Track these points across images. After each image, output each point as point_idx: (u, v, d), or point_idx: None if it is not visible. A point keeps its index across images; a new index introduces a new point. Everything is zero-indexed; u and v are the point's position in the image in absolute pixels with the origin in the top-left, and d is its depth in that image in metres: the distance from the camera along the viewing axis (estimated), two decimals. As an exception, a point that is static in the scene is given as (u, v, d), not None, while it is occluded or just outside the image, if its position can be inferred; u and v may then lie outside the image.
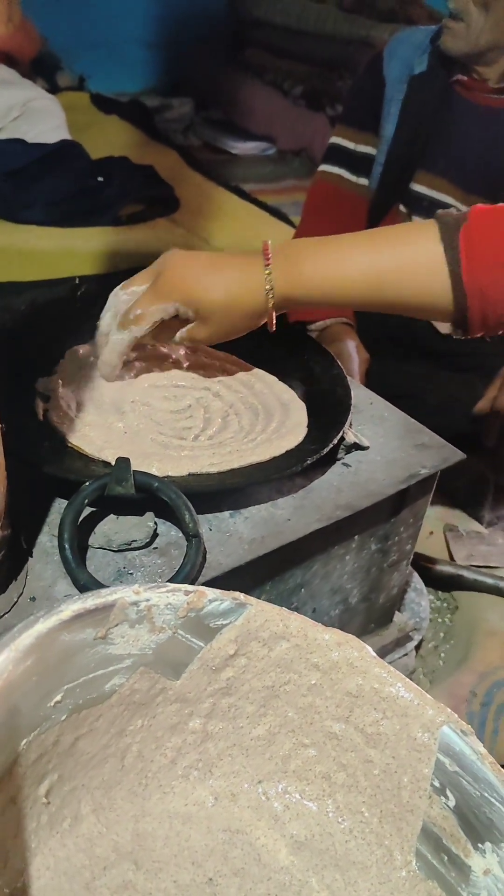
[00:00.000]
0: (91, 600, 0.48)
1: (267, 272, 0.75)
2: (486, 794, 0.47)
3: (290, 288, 0.75)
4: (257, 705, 0.54)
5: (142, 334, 0.78)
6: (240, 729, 0.54)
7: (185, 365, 0.88)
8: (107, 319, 0.80)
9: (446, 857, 0.49)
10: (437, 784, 0.50)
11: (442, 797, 0.49)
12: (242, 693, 0.54)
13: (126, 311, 0.78)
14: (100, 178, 2.06)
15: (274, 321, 0.78)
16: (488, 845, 0.47)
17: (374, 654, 0.53)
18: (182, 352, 0.89)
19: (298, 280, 0.75)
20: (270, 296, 0.75)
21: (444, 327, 1.48)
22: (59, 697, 0.47)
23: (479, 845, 0.48)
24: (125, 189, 2.07)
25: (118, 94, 2.89)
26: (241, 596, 0.52)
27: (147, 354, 0.88)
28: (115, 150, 2.26)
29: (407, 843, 0.51)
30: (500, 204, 0.74)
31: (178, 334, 0.79)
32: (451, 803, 0.49)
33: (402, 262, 0.74)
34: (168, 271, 0.76)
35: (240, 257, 0.77)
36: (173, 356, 0.89)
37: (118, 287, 0.80)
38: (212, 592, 0.51)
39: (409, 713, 0.51)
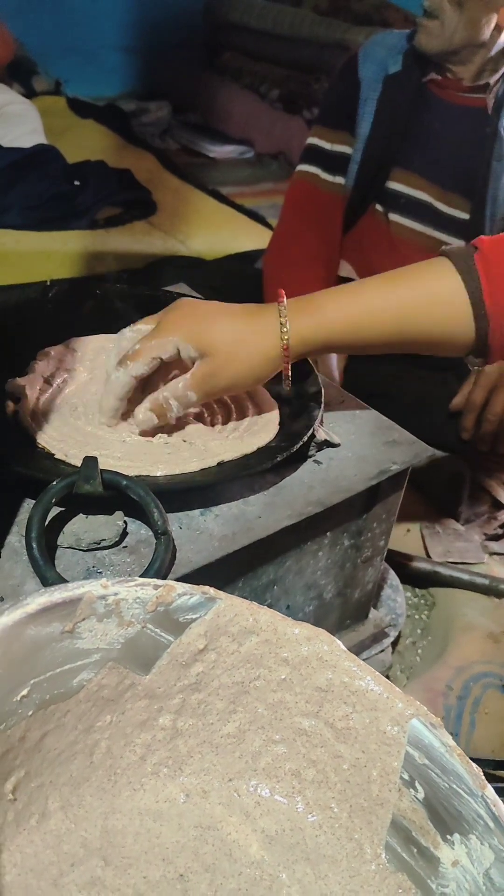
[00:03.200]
0: (58, 593, 0.47)
1: (282, 309, 0.72)
2: (455, 786, 0.47)
3: (309, 326, 0.73)
4: (227, 701, 0.54)
5: (138, 373, 0.73)
6: (210, 726, 0.54)
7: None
8: (111, 361, 0.76)
9: (416, 850, 0.49)
10: (406, 777, 0.50)
11: (411, 790, 0.50)
12: (212, 689, 0.54)
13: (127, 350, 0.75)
14: (76, 182, 2.07)
15: (289, 371, 0.75)
16: (457, 836, 0.47)
17: (344, 648, 0.53)
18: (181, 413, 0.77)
19: (317, 316, 0.73)
20: (284, 333, 0.72)
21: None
22: (25, 692, 0.47)
23: (448, 837, 0.48)
24: (102, 193, 2.08)
25: (95, 99, 2.90)
26: (211, 590, 0.52)
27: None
28: (92, 154, 2.27)
29: (377, 837, 0.51)
30: (502, 234, 0.75)
31: (183, 377, 0.74)
32: (421, 796, 0.49)
33: (422, 294, 0.74)
34: (175, 310, 0.74)
35: (252, 305, 0.75)
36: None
37: (126, 328, 0.77)
38: (181, 587, 0.51)
39: (379, 706, 0.51)
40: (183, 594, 0.51)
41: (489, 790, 0.46)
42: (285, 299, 0.74)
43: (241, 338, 0.72)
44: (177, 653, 0.52)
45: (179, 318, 0.73)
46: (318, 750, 0.53)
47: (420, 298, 0.74)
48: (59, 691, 0.49)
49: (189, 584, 0.51)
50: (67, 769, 0.51)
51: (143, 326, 0.76)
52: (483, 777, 0.46)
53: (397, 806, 0.50)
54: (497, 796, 0.45)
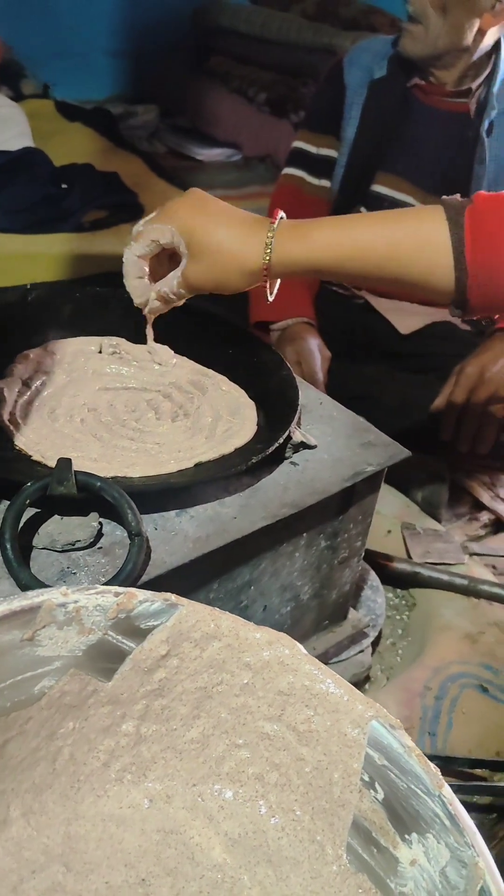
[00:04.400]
0: (16, 602, 0.48)
1: (272, 227, 0.75)
2: (413, 786, 0.48)
3: (295, 250, 0.76)
4: (190, 707, 0.54)
5: (139, 253, 0.79)
6: (173, 731, 0.54)
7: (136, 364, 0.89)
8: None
9: (375, 850, 0.50)
10: (366, 778, 0.50)
11: (371, 791, 0.50)
12: (175, 694, 0.54)
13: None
14: (63, 186, 2.07)
15: (268, 284, 0.78)
16: (414, 836, 0.48)
17: (305, 652, 0.53)
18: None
19: (304, 242, 0.76)
20: (268, 252, 0.75)
21: (404, 327, 1.51)
22: (-16, 700, 0.47)
23: (406, 836, 0.48)
24: (89, 196, 2.07)
25: (83, 102, 2.89)
26: (172, 597, 0.52)
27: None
28: (80, 157, 2.27)
29: (338, 838, 0.51)
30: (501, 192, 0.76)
31: (173, 274, 0.80)
32: (380, 796, 0.50)
33: (409, 236, 0.75)
34: (183, 199, 0.78)
35: (251, 215, 0.79)
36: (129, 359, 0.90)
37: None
38: (142, 593, 0.51)
39: (340, 709, 0.51)
40: (144, 601, 0.51)
41: (446, 789, 0.46)
42: (279, 218, 0.77)
43: (229, 247, 0.76)
44: (139, 659, 0.52)
45: (183, 209, 0.78)
46: (281, 753, 0.54)
47: (406, 240, 0.75)
48: (20, 699, 0.49)
49: (150, 591, 0.52)
50: (30, 776, 0.51)
51: (153, 214, 0.80)
52: (440, 776, 0.47)
53: (358, 807, 0.50)
54: (454, 795, 0.46)
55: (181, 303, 0.84)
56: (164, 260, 0.83)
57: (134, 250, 0.80)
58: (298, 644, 0.53)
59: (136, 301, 0.84)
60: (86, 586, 0.50)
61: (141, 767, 0.54)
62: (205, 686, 0.54)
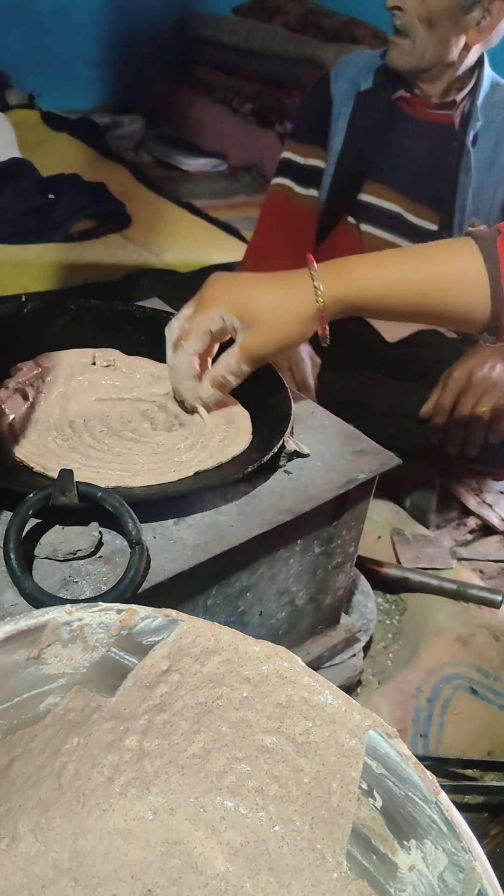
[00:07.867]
0: (23, 621, 0.48)
1: (313, 274, 0.77)
2: (410, 794, 0.49)
3: (340, 288, 0.77)
4: (191, 721, 0.55)
5: (196, 349, 0.78)
6: (175, 746, 0.55)
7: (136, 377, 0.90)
8: (168, 353, 0.81)
9: (375, 857, 0.51)
10: (364, 786, 0.51)
11: (370, 799, 0.51)
12: (176, 709, 0.55)
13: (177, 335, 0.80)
14: (50, 196, 2.09)
15: (326, 329, 0.79)
16: (413, 842, 0.49)
17: (303, 664, 0.54)
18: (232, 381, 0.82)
19: (349, 280, 0.77)
20: (319, 295, 0.76)
21: (391, 335, 1.53)
22: (-9, 720, 0.48)
23: (405, 843, 0.49)
24: (76, 206, 2.09)
25: (69, 112, 2.91)
26: (173, 613, 0.53)
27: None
28: (66, 167, 2.29)
29: (338, 846, 0.52)
30: None
31: (231, 352, 0.79)
32: (379, 804, 0.51)
33: (446, 271, 0.78)
34: (211, 286, 0.79)
35: (283, 272, 0.79)
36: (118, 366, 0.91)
37: (172, 319, 0.82)
38: (144, 610, 0.52)
39: (337, 720, 0.52)
40: (146, 617, 0.52)
41: (442, 796, 0.47)
42: (315, 264, 0.78)
43: (280, 303, 0.77)
44: (141, 675, 0.53)
45: (218, 292, 0.78)
46: (280, 765, 0.54)
47: (444, 275, 0.78)
48: (25, 717, 0.50)
49: (151, 608, 0.53)
50: (36, 793, 0.52)
51: (187, 311, 0.80)
52: (436, 784, 0.48)
53: (357, 815, 0.51)
54: (450, 801, 0.47)
55: (237, 384, 0.82)
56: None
57: (189, 348, 0.78)
58: (296, 657, 0.54)
59: (190, 402, 0.82)
60: (89, 604, 0.51)
61: (144, 782, 0.55)
62: (205, 701, 0.55)
